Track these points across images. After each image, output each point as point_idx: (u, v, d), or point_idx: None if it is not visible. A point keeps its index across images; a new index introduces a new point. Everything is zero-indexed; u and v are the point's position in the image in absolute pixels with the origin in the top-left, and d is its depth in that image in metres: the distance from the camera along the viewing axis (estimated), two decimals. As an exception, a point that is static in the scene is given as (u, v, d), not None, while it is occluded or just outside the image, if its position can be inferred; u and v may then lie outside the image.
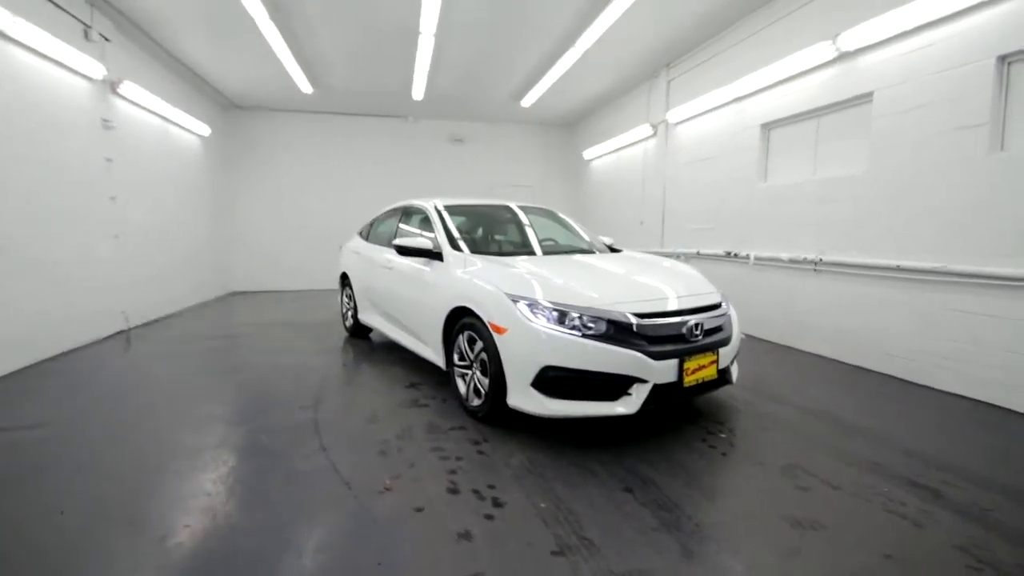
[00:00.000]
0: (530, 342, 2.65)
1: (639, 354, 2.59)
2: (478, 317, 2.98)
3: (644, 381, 2.62)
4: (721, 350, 2.92)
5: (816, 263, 4.65)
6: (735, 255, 5.72)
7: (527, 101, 8.43)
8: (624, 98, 8.31)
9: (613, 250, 4.23)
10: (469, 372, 3.14)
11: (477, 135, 10.23)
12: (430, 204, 4.22)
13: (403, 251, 3.75)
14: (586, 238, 4.33)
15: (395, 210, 4.97)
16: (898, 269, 3.92)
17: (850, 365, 4.34)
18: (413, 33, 5.67)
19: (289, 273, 9.56)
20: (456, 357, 3.26)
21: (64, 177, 4.68)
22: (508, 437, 2.83)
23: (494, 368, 2.83)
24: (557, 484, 2.33)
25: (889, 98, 3.99)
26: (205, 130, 7.77)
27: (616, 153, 8.75)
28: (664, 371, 2.64)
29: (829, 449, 2.74)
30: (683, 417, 3.15)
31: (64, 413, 3.22)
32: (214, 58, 6.71)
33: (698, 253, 6.29)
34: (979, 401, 3.43)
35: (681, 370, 2.69)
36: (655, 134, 7.39)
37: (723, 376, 2.98)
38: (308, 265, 9.59)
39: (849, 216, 4.37)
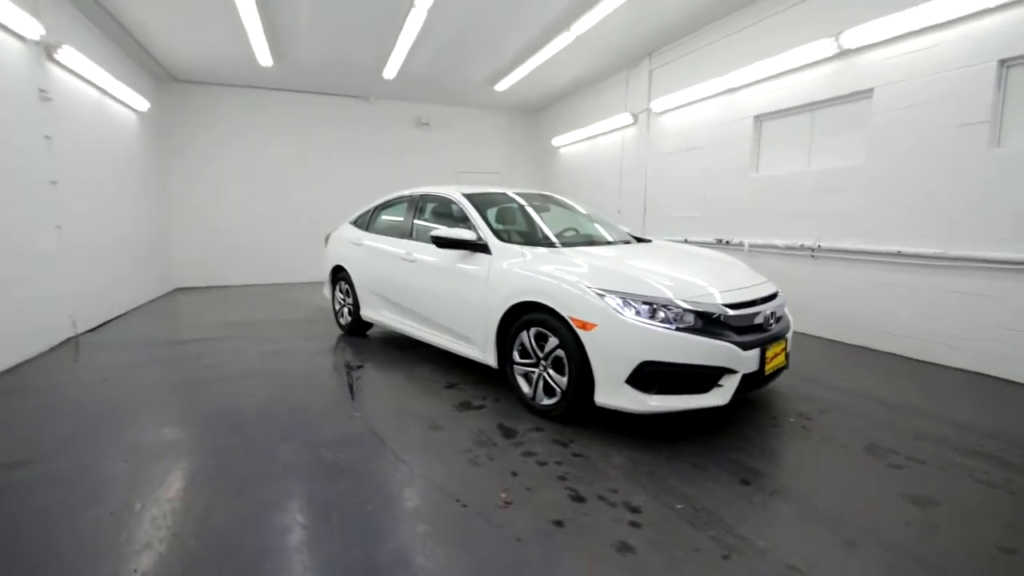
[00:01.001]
0: (625, 337, 2.56)
1: (731, 345, 2.59)
2: (551, 312, 2.84)
3: (734, 372, 2.63)
4: (787, 336, 3.01)
5: (814, 250, 4.93)
6: (727, 242, 5.94)
7: (502, 85, 8.19)
8: (599, 86, 8.32)
9: (639, 240, 4.21)
10: (536, 370, 3.01)
11: (441, 119, 9.83)
12: (456, 193, 3.97)
13: (442, 243, 3.50)
14: (610, 227, 4.26)
15: (402, 199, 4.63)
16: (899, 255, 4.24)
17: (853, 346, 4.65)
18: (404, 3, 5.27)
19: (240, 267, 8.71)
20: (517, 355, 3.11)
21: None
22: (593, 436, 2.74)
23: (575, 365, 2.72)
24: (675, 482, 2.28)
25: (890, 94, 4.27)
26: (143, 104, 6.80)
27: (590, 141, 8.77)
28: (750, 360, 2.66)
29: (890, 426, 2.91)
30: (738, 404, 3.20)
31: (48, 444, 2.66)
32: (162, 22, 5.83)
33: (685, 240, 6.47)
34: (983, 374, 3.79)
35: (763, 358, 2.73)
36: (635, 123, 7.47)
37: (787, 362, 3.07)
38: (261, 258, 8.81)
39: (847, 205, 4.65)
